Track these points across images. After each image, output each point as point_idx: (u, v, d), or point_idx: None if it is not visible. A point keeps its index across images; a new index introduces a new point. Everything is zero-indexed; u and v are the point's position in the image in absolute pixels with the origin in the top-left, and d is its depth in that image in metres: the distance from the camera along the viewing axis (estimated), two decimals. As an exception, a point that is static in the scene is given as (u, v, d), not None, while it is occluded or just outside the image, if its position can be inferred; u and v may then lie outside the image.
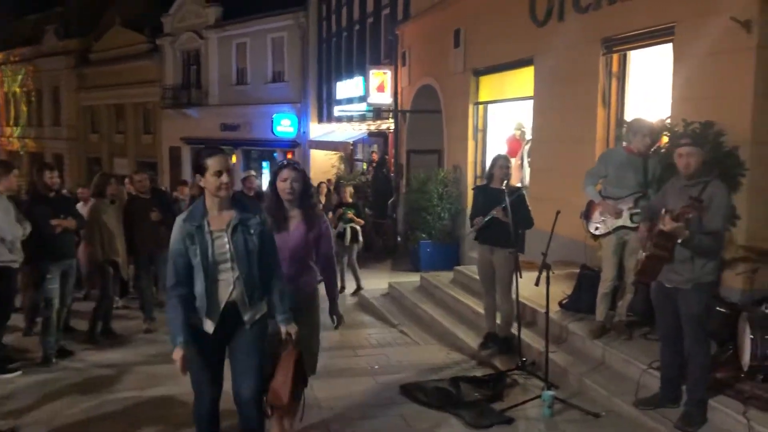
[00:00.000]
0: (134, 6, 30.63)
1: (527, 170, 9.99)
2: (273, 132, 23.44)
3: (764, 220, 5.96)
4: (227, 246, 3.45)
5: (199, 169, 3.43)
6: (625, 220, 5.34)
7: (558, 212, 4.96)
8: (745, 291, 5.62)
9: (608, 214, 5.40)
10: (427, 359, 6.22)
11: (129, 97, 30.89)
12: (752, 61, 5.82)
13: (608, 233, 5.46)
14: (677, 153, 4.36)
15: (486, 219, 5.91)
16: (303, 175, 4.01)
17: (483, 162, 11.26)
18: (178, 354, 3.34)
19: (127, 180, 9.32)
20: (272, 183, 4.00)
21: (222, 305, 3.48)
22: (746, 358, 4.57)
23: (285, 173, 3.95)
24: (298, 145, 23.28)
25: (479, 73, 11.06)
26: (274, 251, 3.62)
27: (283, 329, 3.60)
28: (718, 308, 5.09)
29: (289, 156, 23.70)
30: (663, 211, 4.18)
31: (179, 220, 3.51)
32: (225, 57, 26.05)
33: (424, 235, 11.23)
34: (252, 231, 3.47)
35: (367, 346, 6.91)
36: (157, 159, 29.56)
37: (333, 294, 4.29)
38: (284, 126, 23.60)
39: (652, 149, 5.91)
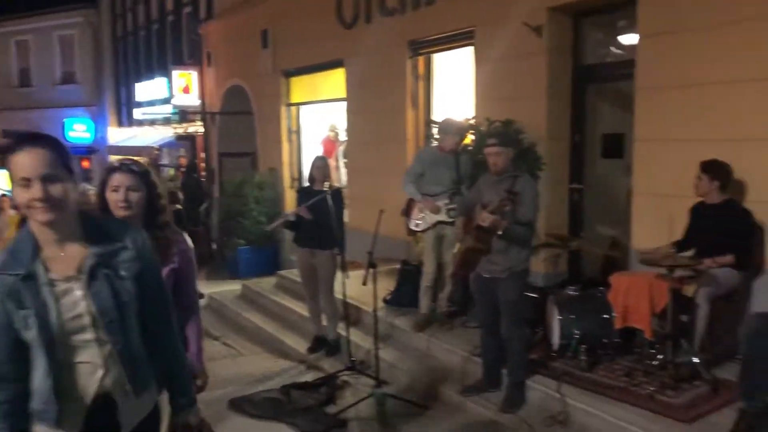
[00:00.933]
0: None
1: (343, 171, 10.09)
2: (65, 138, 21.47)
3: (560, 209, 6.54)
4: (83, 304, 2.04)
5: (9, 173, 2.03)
6: (442, 216, 5.56)
7: (381, 211, 5.01)
8: (548, 275, 6.11)
9: (427, 210, 5.59)
10: (255, 369, 6.00)
11: None
12: (544, 63, 6.33)
13: (428, 229, 5.64)
14: (486, 152, 4.59)
15: (285, 218, 5.89)
16: (146, 181, 2.78)
17: (299, 163, 11.22)
18: None
19: None
20: (100, 195, 2.76)
21: (87, 403, 2.06)
22: (556, 338, 4.96)
23: (116, 179, 2.72)
24: (96, 151, 21.57)
25: (290, 74, 10.98)
26: (164, 298, 2.29)
27: (185, 421, 2.30)
28: (528, 294, 5.47)
29: (85, 165, 21.88)
30: (480, 205, 4.38)
31: None
32: (3, 56, 23.37)
33: (241, 241, 10.89)
34: (124, 272, 2.10)
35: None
36: None
37: (197, 347, 3.01)
38: (78, 131, 21.72)
39: (461, 147, 6.23)
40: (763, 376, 3.70)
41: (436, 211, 5.57)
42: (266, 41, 11.16)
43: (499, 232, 4.24)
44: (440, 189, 5.61)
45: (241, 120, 12.69)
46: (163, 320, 2.27)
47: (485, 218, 4.21)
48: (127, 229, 2.21)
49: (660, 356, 4.50)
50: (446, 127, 5.76)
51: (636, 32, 5.57)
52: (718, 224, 4.60)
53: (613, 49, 6.27)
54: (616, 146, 6.19)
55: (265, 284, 8.38)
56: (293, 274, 7.74)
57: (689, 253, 4.73)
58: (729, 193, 4.69)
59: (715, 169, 4.60)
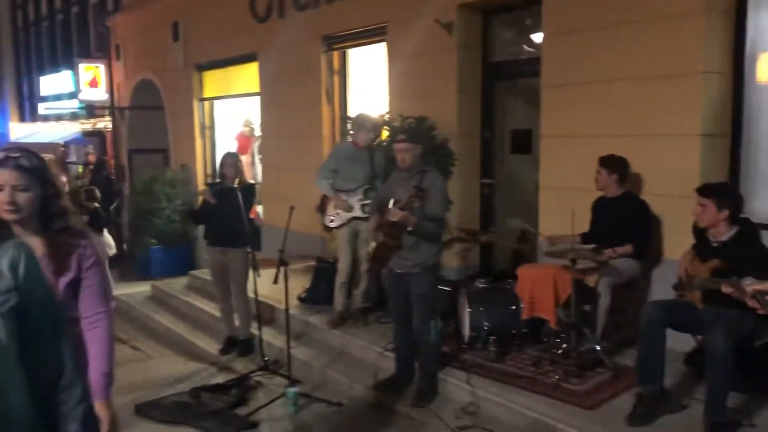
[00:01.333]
0: None
1: (259, 167, 9.93)
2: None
3: (471, 204, 6.65)
4: None
5: None
6: (356, 212, 5.55)
7: (292, 207, 4.94)
8: (461, 269, 6.20)
9: (341, 207, 5.57)
10: (164, 373, 5.80)
11: None
12: (454, 60, 6.41)
13: (342, 225, 5.63)
14: (395, 148, 4.60)
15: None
16: (41, 178, 2.27)
17: (213, 160, 10.96)
18: None
19: None
20: None
21: None
22: (466, 330, 5.04)
23: (0, 176, 2.21)
24: (-4, 148, 20.40)
25: (202, 68, 10.72)
26: (57, 341, 1.73)
27: None
28: (441, 287, 5.53)
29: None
30: (391, 201, 4.39)
31: None
32: None
33: (153, 240, 10.54)
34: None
35: (94, 368, 6.24)
36: None
37: (100, 372, 2.37)
38: (-24, 127, 20.50)
39: (376, 143, 6.23)
40: (658, 361, 3.87)
41: (348, 208, 5.56)
42: (177, 34, 10.85)
43: (409, 228, 4.26)
44: (355, 185, 5.60)
45: (152, 115, 12.28)
46: (54, 336, 1.71)
47: (395, 214, 4.22)
48: (2, 246, 1.67)
49: (565, 345, 4.64)
50: (360, 122, 5.74)
51: (541, 30, 5.72)
52: (617, 216, 4.77)
53: (520, 46, 6.42)
54: (525, 142, 6.34)
55: (176, 285, 8.14)
56: (205, 273, 7.55)
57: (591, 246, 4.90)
58: (627, 186, 4.88)
59: (612, 164, 4.78)
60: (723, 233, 3.83)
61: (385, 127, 6.46)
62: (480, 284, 5.25)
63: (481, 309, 4.96)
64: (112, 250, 9.00)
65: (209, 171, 10.99)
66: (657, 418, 3.86)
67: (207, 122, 10.98)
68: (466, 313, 5.02)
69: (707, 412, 3.61)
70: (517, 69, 6.42)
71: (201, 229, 10.52)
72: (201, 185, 10.79)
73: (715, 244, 3.86)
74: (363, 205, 5.53)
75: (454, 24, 6.33)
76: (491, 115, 6.59)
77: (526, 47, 6.33)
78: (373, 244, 5.41)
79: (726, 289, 3.51)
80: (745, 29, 4.68)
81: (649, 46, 4.88)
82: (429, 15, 6.46)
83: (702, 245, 3.96)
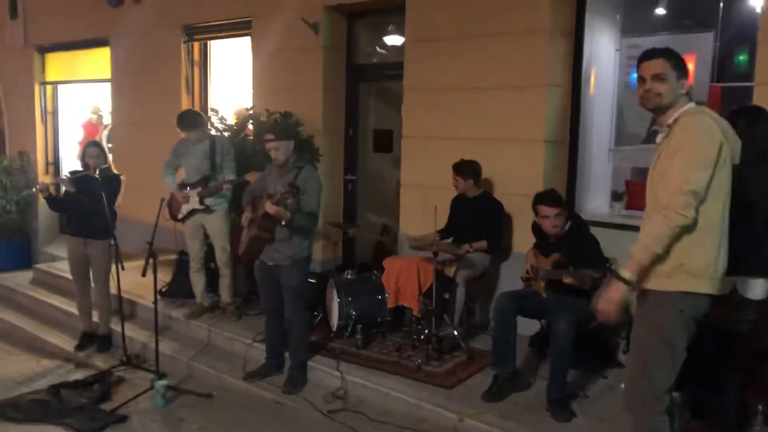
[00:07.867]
0: None
1: (108, 156, 9.47)
2: None
3: (335, 199, 6.89)
4: None
5: None
6: (193, 204, 5.63)
7: (162, 200, 4.89)
8: (324, 261, 6.43)
9: (180, 200, 5.65)
10: (14, 372, 5.46)
11: None
12: (320, 59, 6.61)
13: (185, 217, 5.72)
14: (266, 147, 4.70)
15: (44, 185, 5.52)
16: None
17: (56, 148, 10.34)
18: None
19: None
20: None
21: None
22: (335, 319, 5.27)
23: None
24: None
25: (45, 50, 10.04)
26: None
27: None
28: (309, 280, 5.71)
29: None
30: (266, 195, 4.49)
31: None
32: None
33: (-16, 233, 9.73)
34: None
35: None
36: None
37: None
38: None
39: (227, 133, 6.29)
40: (510, 346, 4.31)
41: (185, 201, 5.65)
42: (15, 10, 10.07)
43: (283, 223, 4.40)
44: (195, 178, 5.69)
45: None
46: None
47: (270, 207, 4.34)
48: None
49: (426, 331, 5.01)
50: (181, 121, 5.73)
51: (403, 37, 6.07)
52: (475, 215, 5.22)
53: (384, 50, 6.74)
54: (386, 141, 6.69)
55: (20, 279, 7.61)
56: (54, 267, 7.19)
57: (450, 240, 5.31)
58: (483, 186, 5.35)
59: (464, 169, 5.22)
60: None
61: (251, 121, 6.53)
62: (348, 276, 5.49)
63: (349, 299, 5.22)
64: None
65: (51, 159, 10.33)
66: (509, 395, 4.31)
67: (49, 107, 10.30)
68: (335, 303, 5.25)
69: (551, 388, 4.10)
70: (379, 72, 6.73)
71: (43, 222, 9.96)
72: (42, 174, 10.14)
73: (552, 240, 4.37)
74: (201, 198, 5.60)
75: (320, 24, 6.51)
76: (354, 113, 6.87)
77: (388, 51, 6.66)
78: (217, 239, 5.63)
79: (566, 279, 4.04)
80: (582, 48, 5.31)
81: (503, 59, 5.36)
82: (294, 13, 6.59)
83: (542, 241, 4.46)
